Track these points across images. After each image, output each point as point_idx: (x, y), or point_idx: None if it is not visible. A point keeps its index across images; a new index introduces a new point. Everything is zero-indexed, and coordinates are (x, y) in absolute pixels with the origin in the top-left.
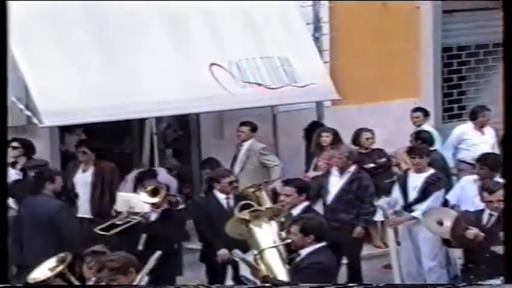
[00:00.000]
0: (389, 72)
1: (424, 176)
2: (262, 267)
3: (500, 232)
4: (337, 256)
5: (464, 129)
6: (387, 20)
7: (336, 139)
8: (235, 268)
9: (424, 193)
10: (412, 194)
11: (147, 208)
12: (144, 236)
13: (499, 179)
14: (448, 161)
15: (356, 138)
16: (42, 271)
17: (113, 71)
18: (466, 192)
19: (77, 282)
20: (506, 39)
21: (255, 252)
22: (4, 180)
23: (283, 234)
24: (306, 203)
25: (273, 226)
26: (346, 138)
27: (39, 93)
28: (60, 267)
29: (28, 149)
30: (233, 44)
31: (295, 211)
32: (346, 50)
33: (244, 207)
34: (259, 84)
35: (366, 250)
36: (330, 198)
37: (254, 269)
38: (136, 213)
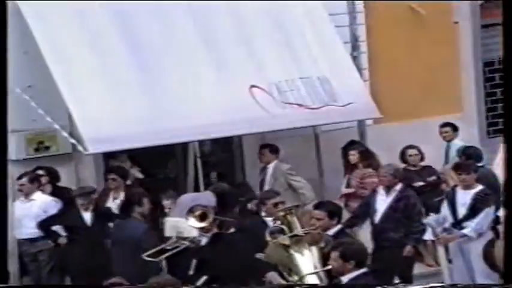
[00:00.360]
0: (430, 88)
1: (472, 192)
2: None
3: None
4: (389, 276)
5: None
6: (425, 36)
7: (365, 156)
8: None
9: (473, 210)
10: (461, 211)
11: (195, 233)
12: (194, 260)
13: None
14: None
15: (403, 156)
16: None
17: (154, 96)
18: None
19: None
20: (507, 39)
21: (296, 278)
22: (4, 180)
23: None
24: (338, 227)
25: (313, 252)
26: (389, 156)
27: (82, 120)
28: None
29: (53, 176)
30: (272, 65)
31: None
32: (386, 68)
33: (274, 232)
34: (300, 105)
35: (418, 269)
36: (377, 217)
37: None
38: (185, 238)
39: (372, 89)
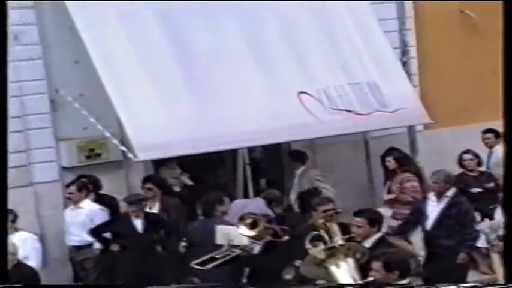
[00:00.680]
0: (481, 93)
1: None
2: None
3: None
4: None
5: None
6: (476, 40)
7: (402, 162)
8: None
9: None
10: None
11: (246, 241)
12: (247, 268)
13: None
14: None
15: (460, 161)
16: None
17: (203, 103)
18: None
19: None
20: (507, 39)
21: None
22: (4, 180)
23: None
24: (378, 235)
25: (350, 263)
26: (440, 161)
27: (132, 128)
28: None
29: (96, 184)
30: (320, 71)
31: (367, 243)
32: (435, 73)
33: (314, 239)
34: (349, 111)
35: (472, 277)
36: (429, 224)
37: None
38: (236, 246)
39: (422, 94)
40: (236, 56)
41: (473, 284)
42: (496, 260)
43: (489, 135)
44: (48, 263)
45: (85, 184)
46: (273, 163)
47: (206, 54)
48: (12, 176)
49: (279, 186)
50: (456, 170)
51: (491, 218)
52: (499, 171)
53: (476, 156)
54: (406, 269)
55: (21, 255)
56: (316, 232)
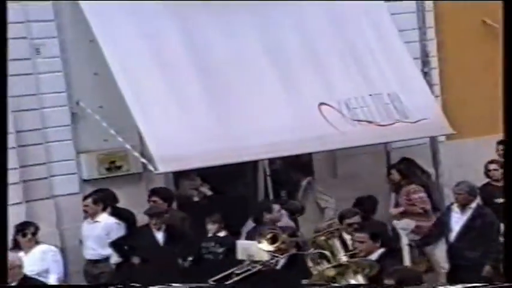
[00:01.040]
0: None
1: None
2: None
3: None
4: None
5: None
6: (497, 50)
7: (404, 174)
8: None
9: None
10: None
11: (266, 256)
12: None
13: None
14: None
15: (486, 171)
16: None
17: (223, 115)
18: None
19: None
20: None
21: None
22: (4, 181)
23: None
24: (381, 250)
25: (359, 279)
26: (463, 172)
27: (153, 140)
28: None
29: (112, 198)
30: (341, 82)
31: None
32: (457, 83)
33: (316, 258)
34: (370, 122)
35: None
36: (453, 235)
37: None
38: (257, 262)
39: (443, 104)
40: (256, 68)
41: (473, 284)
42: None
43: (503, 146)
44: (68, 276)
45: (101, 197)
46: (293, 175)
47: (226, 66)
48: (33, 188)
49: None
50: (479, 181)
51: None
52: None
53: (502, 166)
54: (420, 284)
55: (42, 267)
56: (318, 250)
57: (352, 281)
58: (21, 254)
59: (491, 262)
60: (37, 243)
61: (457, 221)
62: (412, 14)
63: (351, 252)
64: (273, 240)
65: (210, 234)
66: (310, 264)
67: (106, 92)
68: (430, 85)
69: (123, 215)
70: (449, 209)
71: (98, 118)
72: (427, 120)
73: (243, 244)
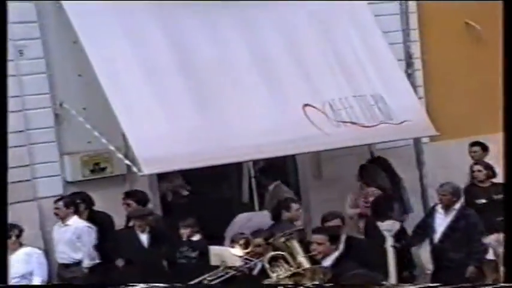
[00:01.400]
0: (487, 105)
1: None
2: None
3: None
4: None
5: None
6: (481, 52)
7: (365, 176)
8: None
9: None
10: None
11: (238, 261)
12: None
13: None
14: None
15: (470, 172)
16: None
17: (207, 116)
18: None
19: None
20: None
21: None
22: (4, 179)
23: None
24: (337, 253)
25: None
26: (447, 173)
27: (137, 142)
28: None
29: (89, 201)
30: (325, 84)
31: (327, 262)
32: (441, 85)
33: (273, 259)
34: (354, 123)
35: None
36: (437, 236)
37: None
38: (230, 267)
39: (427, 106)
40: (241, 69)
41: (473, 284)
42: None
43: (476, 148)
44: (53, 278)
45: (73, 201)
46: (277, 176)
47: (210, 68)
48: (16, 190)
49: None
50: (463, 182)
51: (499, 230)
52: None
53: (487, 167)
54: None
55: (26, 270)
56: (276, 252)
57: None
58: None
59: (475, 263)
60: (21, 245)
61: (441, 222)
62: (395, 15)
63: (310, 254)
64: (245, 245)
65: (184, 239)
66: (266, 265)
67: (90, 94)
68: (414, 87)
69: (101, 218)
70: (433, 210)
71: (82, 120)
72: (411, 122)
73: (216, 250)
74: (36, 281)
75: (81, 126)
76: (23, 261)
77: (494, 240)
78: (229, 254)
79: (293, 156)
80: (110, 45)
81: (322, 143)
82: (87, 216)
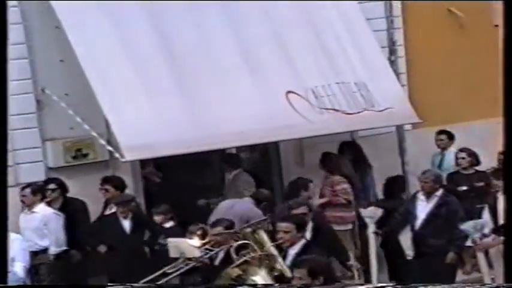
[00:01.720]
0: (470, 92)
1: None
2: None
3: None
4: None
5: None
6: (464, 39)
7: (328, 164)
8: None
9: None
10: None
11: (197, 252)
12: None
13: None
14: None
15: (455, 160)
16: None
17: (190, 103)
18: None
19: None
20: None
21: None
22: (4, 178)
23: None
24: (304, 241)
25: (263, 275)
26: (429, 161)
27: (119, 127)
28: None
29: (63, 188)
30: (308, 70)
31: (294, 250)
32: (424, 72)
33: (240, 249)
34: (337, 110)
35: (460, 277)
36: (418, 223)
37: None
38: (190, 259)
39: (410, 93)
40: (224, 57)
41: (472, 283)
42: (481, 258)
43: (442, 136)
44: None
45: (41, 188)
46: (261, 163)
47: (194, 54)
48: None
49: (267, 186)
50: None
51: (478, 217)
52: None
53: (470, 155)
54: (330, 275)
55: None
56: (242, 241)
57: (257, 278)
58: None
59: (455, 249)
60: None
61: (423, 209)
62: (379, 2)
63: (277, 243)
64: (203, 235)
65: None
66: (233, 255)
67: (72, 79)
68: (397, 74)
69: (73, 205)
70: (414, 197)
71: (64, 105)
72: (394, 109)
73: (174, 242)
74: (18, 266)
75: (64, 112)
76: None
77: (470, 227)
78: (188, 245)
79: (276, 143)
80: (92, 30)
81: (305, 130)
82: (61, 203)
